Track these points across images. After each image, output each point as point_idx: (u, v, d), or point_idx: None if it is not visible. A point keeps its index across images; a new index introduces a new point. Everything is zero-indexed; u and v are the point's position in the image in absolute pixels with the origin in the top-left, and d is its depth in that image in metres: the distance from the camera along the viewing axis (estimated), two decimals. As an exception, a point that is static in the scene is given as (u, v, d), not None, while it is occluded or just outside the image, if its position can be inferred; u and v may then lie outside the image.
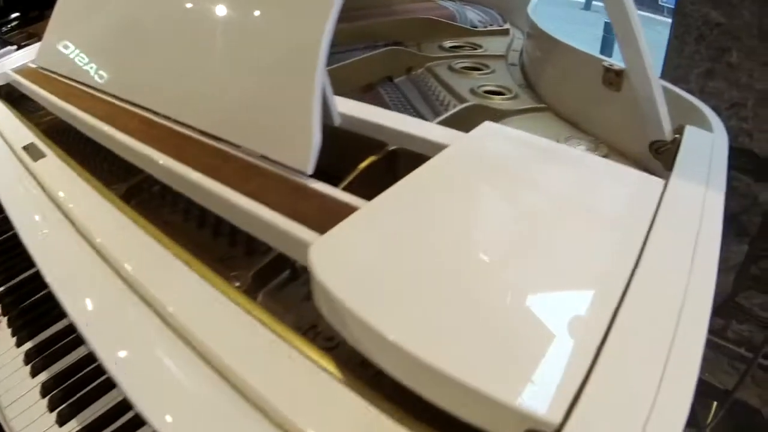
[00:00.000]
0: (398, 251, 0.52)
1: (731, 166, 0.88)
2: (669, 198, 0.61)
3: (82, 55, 1.16)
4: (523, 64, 1.56)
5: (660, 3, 6.73)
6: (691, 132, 0.80)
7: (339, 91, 1.25)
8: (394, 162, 0.82)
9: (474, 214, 0.59)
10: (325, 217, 0.61)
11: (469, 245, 0.53)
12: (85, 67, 1.12)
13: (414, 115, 1.18)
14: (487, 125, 0.75)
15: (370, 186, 0.83)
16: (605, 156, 1.05)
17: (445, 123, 1.02)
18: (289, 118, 0.72)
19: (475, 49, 1.66)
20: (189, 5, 0.94)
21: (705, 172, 0.70)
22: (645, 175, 0.65)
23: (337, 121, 0.82)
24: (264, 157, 0.74)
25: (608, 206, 0.62)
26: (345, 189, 0.80)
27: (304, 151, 0.68)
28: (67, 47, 1.21)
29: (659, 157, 0.81)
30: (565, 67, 1.28)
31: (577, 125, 1.19)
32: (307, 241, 0.56)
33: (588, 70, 1.13)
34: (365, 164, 0.82)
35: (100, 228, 0.76)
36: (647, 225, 0.56)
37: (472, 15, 2.04)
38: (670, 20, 1.95)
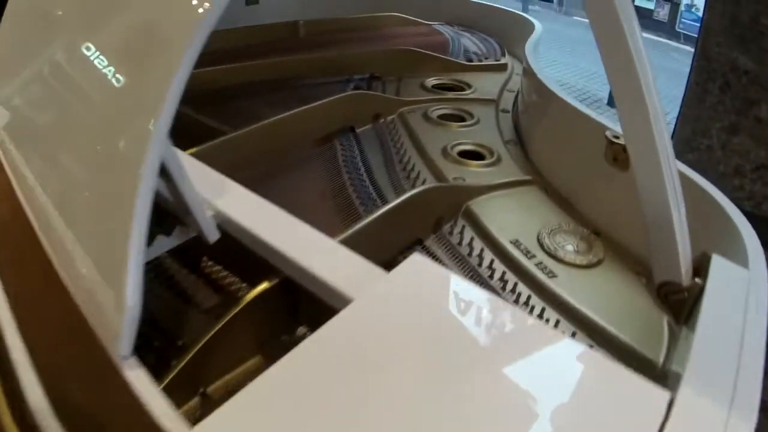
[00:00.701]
0: None
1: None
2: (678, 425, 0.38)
3: None
4: (516, 113, 1.33)
5: (677, 29, 6.45)
6: (719, 269, 0.56)
7: (292, 143, 0.97)
8: (295, 291, 0.58)
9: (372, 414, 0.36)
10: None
11: None
12: None
13: (367, 190, 0.94)
14: (414, 264, 0.51)
15: (261, 323, 0.61)
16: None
17: (396, 212, 0.79)
18: (100, 265, 0.49)
19: (463, 89, 1.43)
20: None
21: (735, 356, 0.46)
22: (640, 381, 0.41)
23: (212, 237, 0.60)
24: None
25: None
26: (230, 323, 0.58)
27: (114, 322, 0.45)
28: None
29: (669, 305, 0.57)
30: (562, 131, 1.05)
31: (571, 205, 0.95)
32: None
33: (590, 138, 0.89)
34: (253, 294, 0.59)
35: None
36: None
37: (469, 44, 1.80)
38: (687, 48, 1.71)
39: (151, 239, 0.62)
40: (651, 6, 6.68)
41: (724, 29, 1.51)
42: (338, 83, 1.41)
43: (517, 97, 1.42)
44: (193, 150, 0.92)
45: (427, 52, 1.52)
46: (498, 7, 1.92)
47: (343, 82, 1.42)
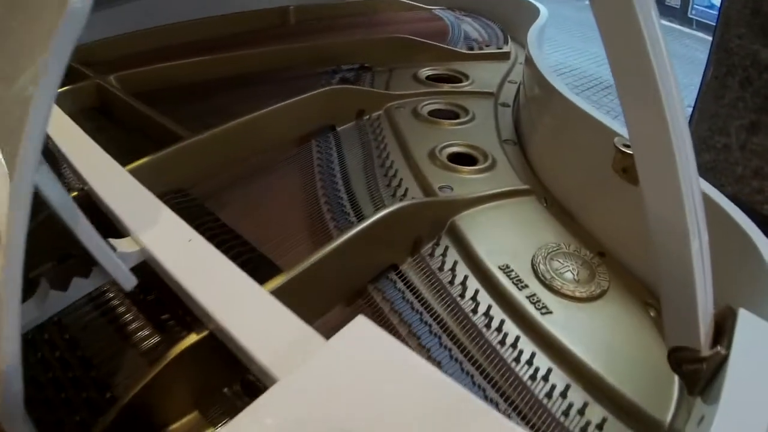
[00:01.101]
0: None
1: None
2: None
3: None
4: (517, 108, 1.21)
5: (689, 15, 6.20)
6: (748, 331, 0.45)
7: (264, 146, 0.93)
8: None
9: None
10: None
11: None
12: None
13: (340, 202, 0.83)
14: (358, 330, 0.40)
15: (195, 376, 0.51)
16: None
17: (368, 234, 0.68)
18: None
19: (459, 81, 1.31)
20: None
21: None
22: None
23: (127, 284, 0.49)
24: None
25: None
26: (159, 375, 0.48)
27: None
28: None
29: (682, 375, 0.46)
30: (565, 132, 0.93)
31: (573, 218, 0.84)
32: None
33: (596, 144, 0.78)
34: (180, 348, 0.49)
35: None
36: None
37: (469, 29, 1.68)
38: (699, 34, 1.56)
39: (67, 282, 0.52)
40: (663, -9, 6.46)
41: (746, 20, 1.38)
42: (324, 74, 1.30)
43: (518, 89, 1.30)
44: (148, 158, 0.82)
45: (421, 39, 1.40)
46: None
47: (330, 73, 1.31)
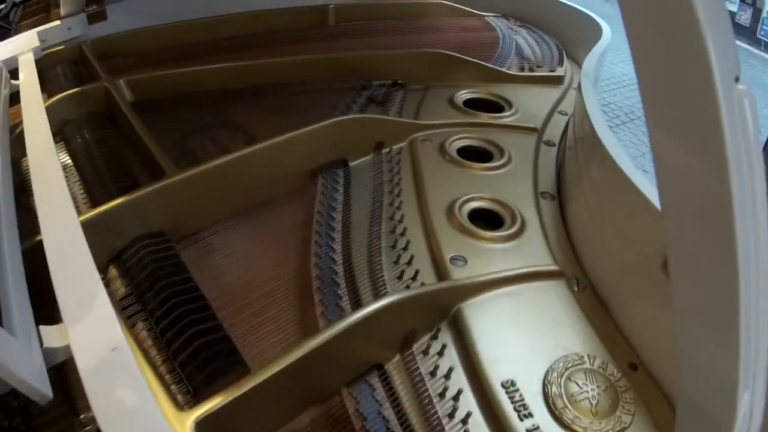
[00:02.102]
0: None
1: None
2: None
3: None
4: (563, 148, 1.05)
5: (758, 35, 5.72)
6: None
7: (266, 182, 0.87)
8: None
9: None
10: None
11: None
12: None
13: (333, 277, 0.71)
14: None
15: None
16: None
17: (355, 329, 0.57)
18: None
19: (500, 109, 1.16)
20: None
21: None
22: None
23: (41, 398, 0.41)
24: None
25: None
26: None
27: None
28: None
29: None
30: (615, 205, 0.77)
31: (608, 312, 0.70)
32: None
33: (651, 231, 0.63)
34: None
35: None
36: None
37: (522, 43, 1.52)
38: None
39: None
40: (734, 8, 5.96)
41: None
42: (350, 90, 1.18)
43: (567, 124, 1.14)
44: (126, 197, 0.73)
45: (463, 57, 1.26)
46: (560, 2, 1.60)
47: (357, 89, 1.18)
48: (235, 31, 1.45)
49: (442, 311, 0.66)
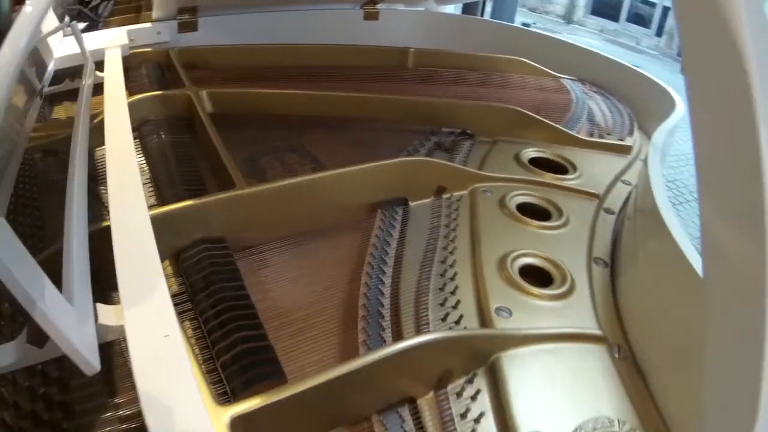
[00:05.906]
0: None
1: None
2: None
3: None
4: (622, 219, 1.06)
5: None
6: None
7: (329, 208, 0.92)
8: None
9: None
10: None
11: None
12: None
13: (380, 309, 0.74)
14: None
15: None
16: None
17: (395, 360, 0.59)
18: None
19: (564, 171, 1.18)
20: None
21: None
22: None
23: (89, 369, 0.45)
24: None
25: None
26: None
27: None
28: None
29: None
30: (668, 282, 0.77)
31: (645, 383, 0.70)
32: None
33: (698, 315, 0.64)
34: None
35: None
36: None
37: (595, 109, 1.54)
38: None
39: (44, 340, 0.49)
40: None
41: None
42: (420, 134, 1.23)
43: (629, 195, 1.15)
44: (192, 201, 0.79)
45: (534, 116, 1.29)
46: (637, 71, 1.62)
47: (426, 134, 1.23)
48: (319, 61, 1.54)
49: (481, 357, 0.67)
